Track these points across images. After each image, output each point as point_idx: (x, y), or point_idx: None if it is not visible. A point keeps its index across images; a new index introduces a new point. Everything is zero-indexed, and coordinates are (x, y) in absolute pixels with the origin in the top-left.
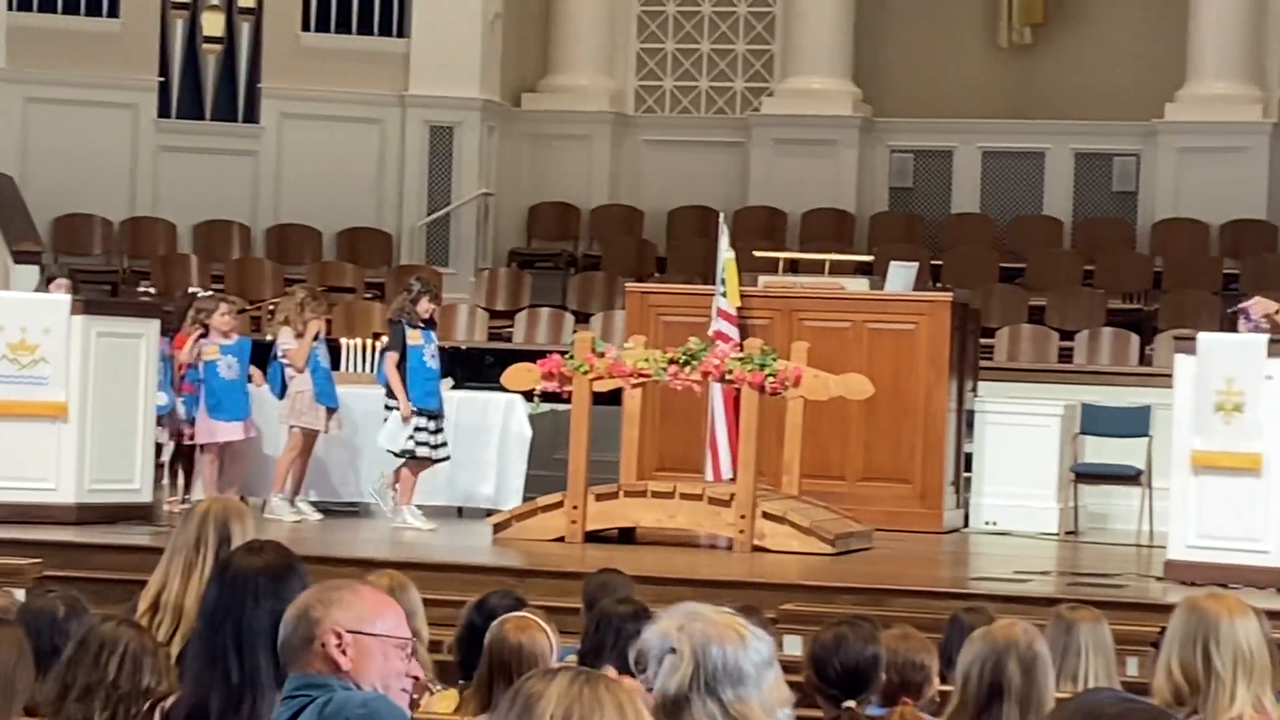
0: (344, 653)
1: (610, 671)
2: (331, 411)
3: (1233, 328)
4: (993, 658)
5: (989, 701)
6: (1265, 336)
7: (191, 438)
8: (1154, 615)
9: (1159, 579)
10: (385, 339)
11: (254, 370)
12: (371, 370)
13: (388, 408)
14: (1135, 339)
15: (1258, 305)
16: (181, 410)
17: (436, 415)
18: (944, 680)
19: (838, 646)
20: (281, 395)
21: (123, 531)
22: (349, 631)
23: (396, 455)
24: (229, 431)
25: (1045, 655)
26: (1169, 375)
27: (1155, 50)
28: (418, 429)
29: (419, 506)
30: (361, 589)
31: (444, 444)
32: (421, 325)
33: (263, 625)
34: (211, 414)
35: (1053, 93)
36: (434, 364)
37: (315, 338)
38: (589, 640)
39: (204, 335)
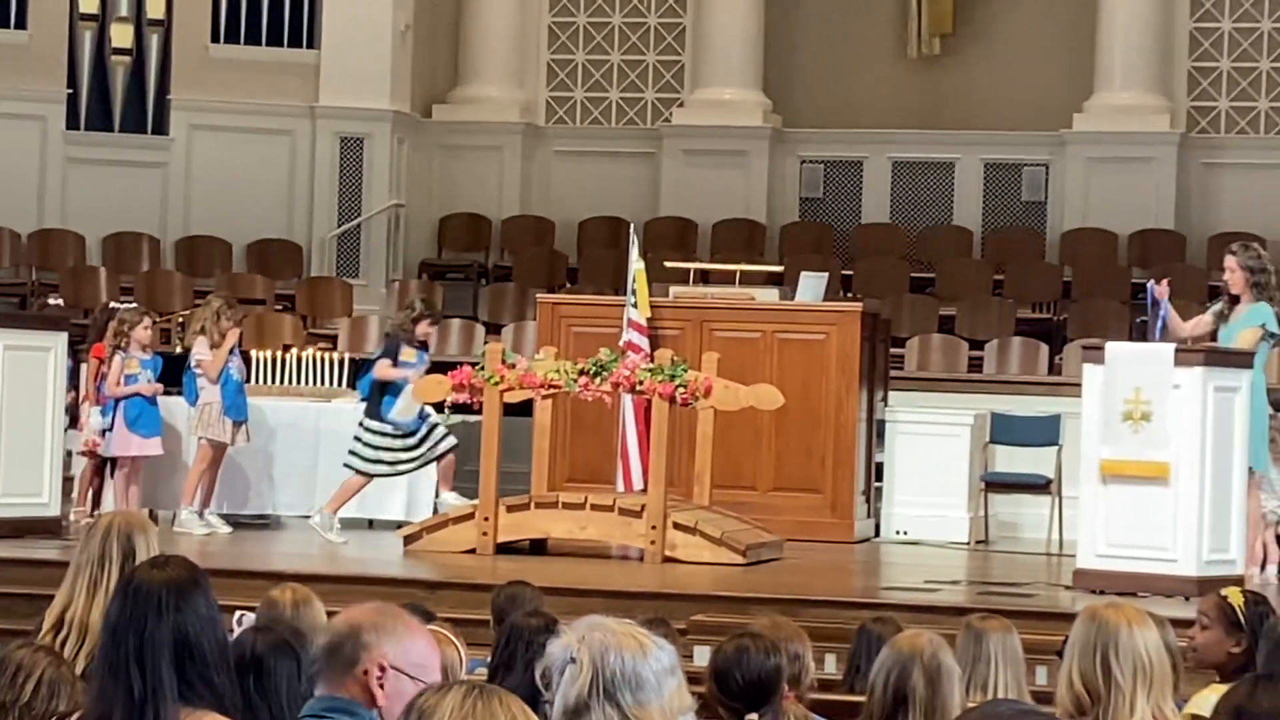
0: (382, 686)
1: None
2: (240, 424)
3: (1143, 337)
4: (897, 668)
5: (894, 710)
6: (1172, 346)
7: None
8: (1063, 624)
9: (1068, 588)
10: (376, 350)
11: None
12: (280, 382)
13: (370, 431)
14: (1045, 348)
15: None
16: (97, 423)
17: (411, 433)
18: (853, 690)
19: (739, 659)
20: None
21: (30, 546)
22: (393, 667)
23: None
24: (146, 446)
25: (950, 665)
26: (1078, 384)
27: (1063, 61)
28: (383, 448)
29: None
30: (413, 624)
31: (414, 459)
32: (416, 345)
33: (165, 639)
34: (130, 428)
35: (962, 103)
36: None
37: (231, 350)
38: (499, 654)
39: (119, 349)
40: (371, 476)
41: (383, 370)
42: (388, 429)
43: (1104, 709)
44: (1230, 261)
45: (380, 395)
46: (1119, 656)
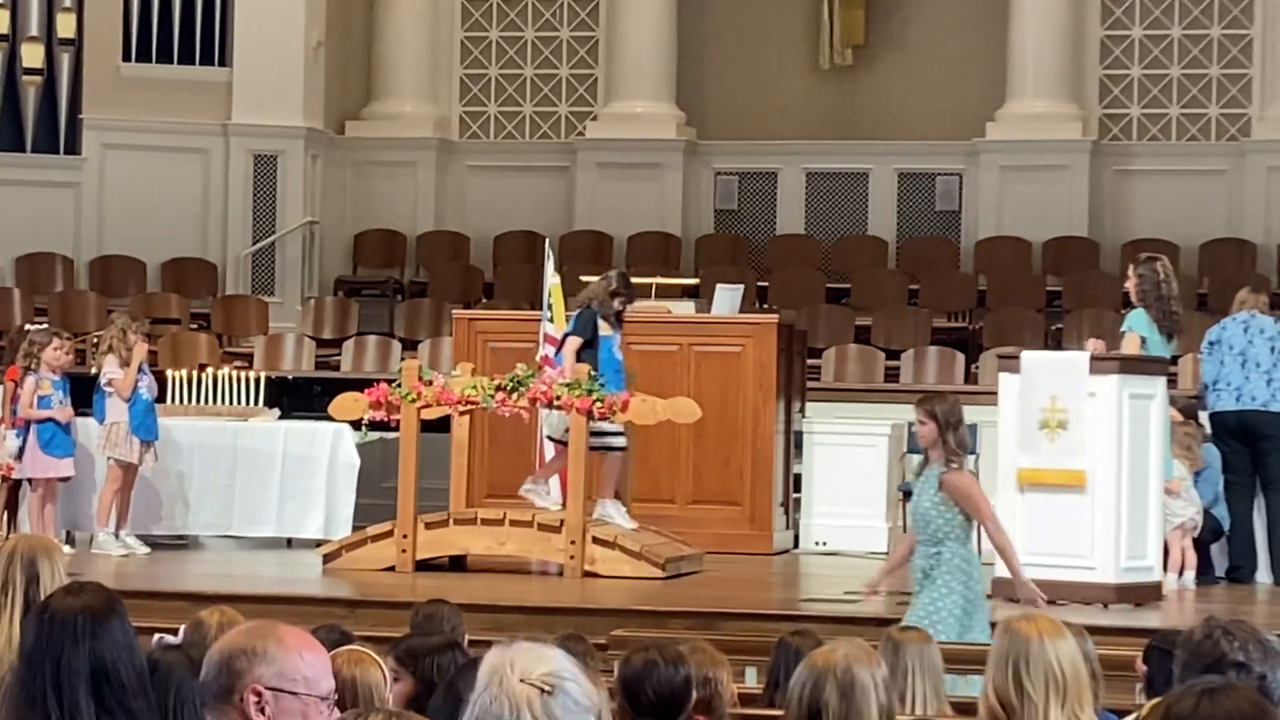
0: (263, 711)
1: None
2: (149, 444)
3: (1058, 345)
4: (811, 682)
5: None
6: (1087, 354)
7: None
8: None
9: (988, 597)
10: (569, 323)
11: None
12: (197, 402)
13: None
14: (960, 357)
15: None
16: (12, 446)
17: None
18: (773, 704)
19: (649, 673)
20: None
21: None
22: (270, 689)
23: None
24: (60, 468)
25: (863, 679)
26: (995, 393)
27: (976, 70)
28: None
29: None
30: (288, 638)
31: (623, 432)
32: (613, 320)
33: (82, 667)
34: (44, 450)
35: (875, 113)
36: (620, 356)
37: (141, 369)
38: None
39: (30, 370)
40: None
41: (569, 356)
42: None
43: None
44: (1129, 271)
45: (593, 367)
46: (1030, 669)
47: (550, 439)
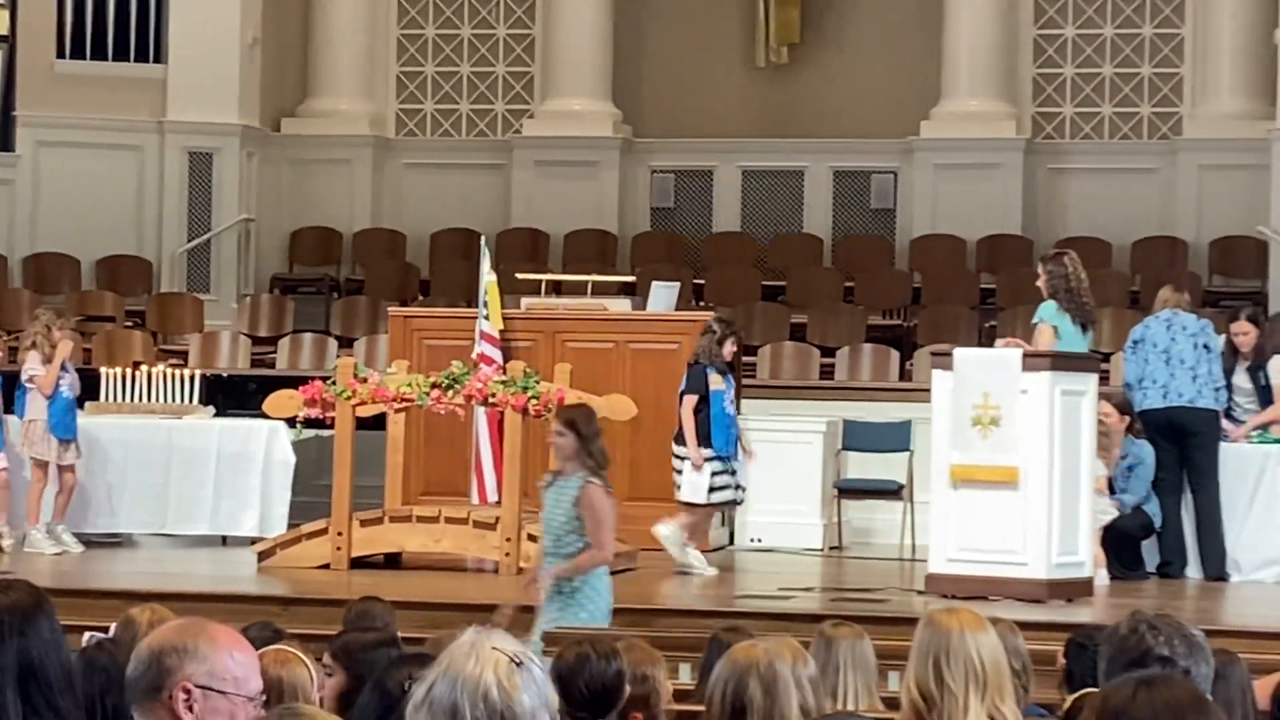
0: (190, 709)
1: None
2: (67, 443)
3: (992, 343)
4: (734, 678)
5: None
6: (1019, 351)
7: None
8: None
9: (921, 593)
10: (683, 382)
11: None
12: (131, 399)
13: (677, 456)
14: (895, 355)
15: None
16: None
17: (729, 458)
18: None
19: (581, 667)
20: None
21: None
22: (200, 687)
23: (704, 506)
24: None
25: (785, 674)
26: (929, 390)
27: (910, 68)
28: (714, 474)
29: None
30: (219, 636)
31: (738, 484)
32: (725, 369)
33: (10, 664)
34: None
35: (811, 111)
36: (733, 409)
37: (64, 366)
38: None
39: None
40: (713, 506)
41: (688, 416)
42: (709, 452)
43: (939, 714)
44: (1039, 269)
45: (705, 423)
46: (950, 662)
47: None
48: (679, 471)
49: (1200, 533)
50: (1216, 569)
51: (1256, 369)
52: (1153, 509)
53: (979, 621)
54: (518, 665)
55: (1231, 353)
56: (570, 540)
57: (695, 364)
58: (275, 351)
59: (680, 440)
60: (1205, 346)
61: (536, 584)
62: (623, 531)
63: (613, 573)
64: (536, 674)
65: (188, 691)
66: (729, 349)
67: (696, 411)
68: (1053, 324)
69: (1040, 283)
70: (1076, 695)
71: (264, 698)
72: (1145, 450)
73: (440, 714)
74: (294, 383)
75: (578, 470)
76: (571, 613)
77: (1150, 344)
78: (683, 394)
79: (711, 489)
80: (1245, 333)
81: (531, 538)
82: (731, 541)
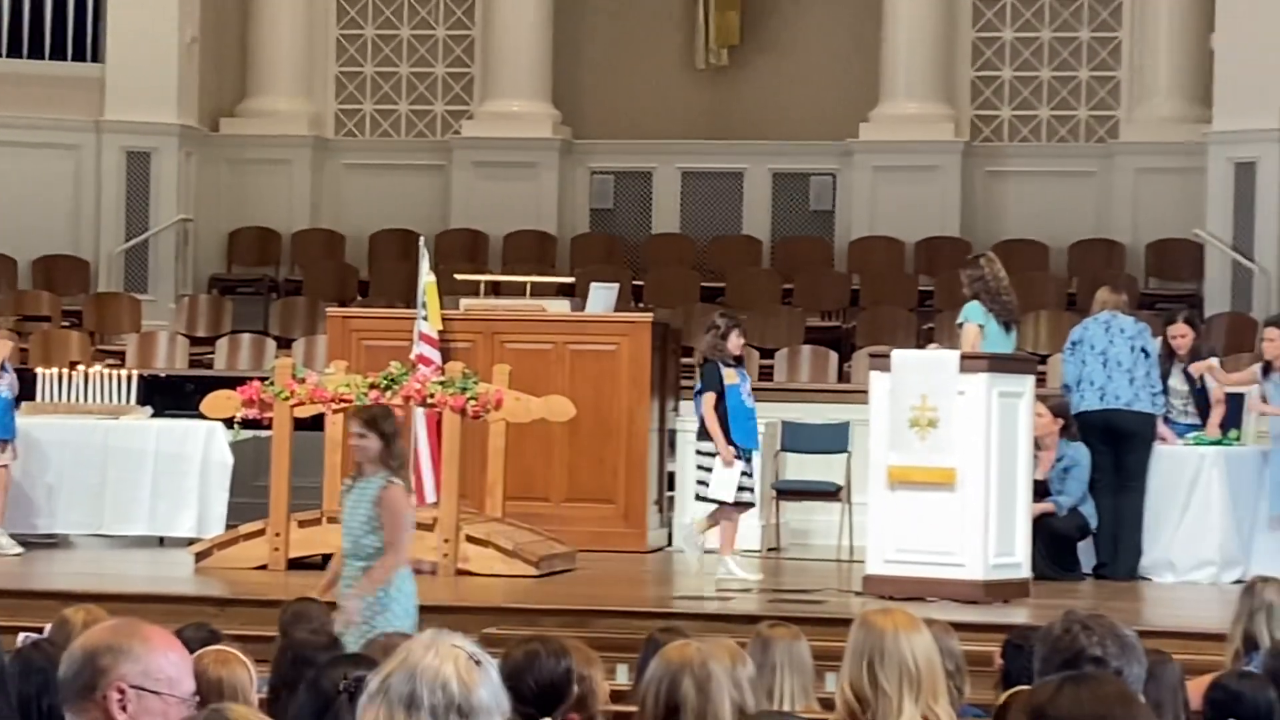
0: (124, 709)
1: None
2: (4, 443)
3: (930, 343)
4: (668, 678)
5: (667, 719)
6: (957, 353)
7: None
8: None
9: (858, 594)
10: (696, 381)
11: None
12: (68, 400)
13: (702, 453)
14: (834, 356)
15: None
16: None
17: (750, 455)
18: None
19: (530, 664)
20: None
21: None
22: (134, 687)
23: (731, 505)
24: None
25: (718, 673)
26: (867, 392)
27: (849, 71)
28: (743, 473)
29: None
30: (153, 637)
31: (752, 487)
32: (733, 362)
33: None
34: None
35: (750, 113)
36: (751, 402)
37: (3, 366)
38: (279, 672)
39: None
40: (740, 505)
41: (710, 414)
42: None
43: (873, 714)
44: (961, 275)
45: (723, 419)
46: (884, 662)
47: (711, 500)
48: (708, 469)
49: (1122, 532)
50: (1130, 569)
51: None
52: (1088, 510)
53: (913, 622)
54: (477, 664)
55: (1168, 355)
56: (369, 541)
57: (706, 362)
58: (213, 352)
59: (702, 436)
60: (1143, 349)
61: (344, 612)
62: (560, 532)
63: (550, 573)
64: (493, 675)
65: (121, 692)
66: (735, 342)
67: (715, 408)
68: (978, 323)
69: (964, 290)
70: (1008, 694)
71: (197, 698)
72: (1080, 452)
73: (396, 702)
74: (232, 383)
75: (379, 471)
76: (383, 620)
77: (1088, 346)
78: (699, 393)
79: (739, 487)
80: (1182, 335)
81: (470, 539)
82: (670, 543)
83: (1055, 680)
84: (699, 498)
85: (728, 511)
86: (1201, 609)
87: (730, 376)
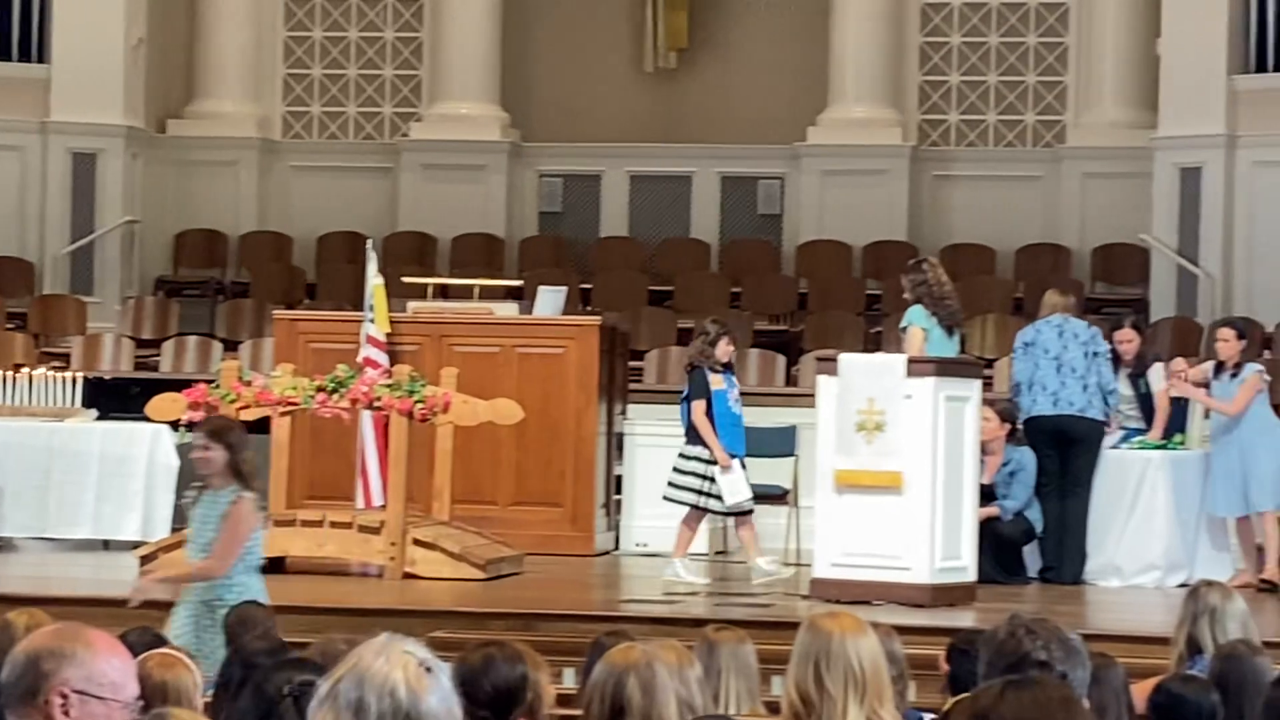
0: (67, 714)
1: None
2: None
3: (877, 348)
4: (613, 679)
5: None
6: (904, 357)
7: None
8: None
9: (805, 597)
10: (685, 387)
11: None
12: (12, 402)
13: (685, 457)
14: (781, 360)
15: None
16: None
17: (739, 459)
18: None
19: (487, 668)
20: None
21: None
22: (76, 692)
23: (742, 512)
24: None
25: (663, 674)
26: (814, 395)
27: (798, 74)
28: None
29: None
30: (96, 641)
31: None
32: (721, 369)
33: None
34: None
35: (698, 117)
36: (738, 409)
37: None
38: (224, 676)
39: None
40: (701, 510)
41: (701, 420)
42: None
43: (818, 717)
44: (902, 281)
45: (711, 425)
46: (830, 665)
47: (732, 512)
48: (686, 473)
49: (1067, 536)
50: (1075, 573)
51: (1137, 376)
52: (1034, 515)
53: (859, 626)
54: (427, 670)
55: (1114, 360)
56: None
57: (694, 368)
58: (159, 354)
59: (691, 441)
60: (1095, 354)
61: (139, 586)
62: (508, 536)
63: (497, 577)
64: (445, 683)
65: (64, 696)
66: (724, 349)
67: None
68: (922, 326)
69: (905, 293)
70: (954, 700)
71: (141, 703)
72: (1027, 457)
73: (345, 708)
74: (178, 386)
75: (229, 484)
76: (210, 634)
77: (1041, 349)
78: (685, 399)
79: (708, 494)
80: (1129, 340)
81: (417, 542)
82: (617, 546)
83: (998, 684)
84: (666, 499)
85: (692, 516)
86: (1146, 613)
87: (717, 382)
